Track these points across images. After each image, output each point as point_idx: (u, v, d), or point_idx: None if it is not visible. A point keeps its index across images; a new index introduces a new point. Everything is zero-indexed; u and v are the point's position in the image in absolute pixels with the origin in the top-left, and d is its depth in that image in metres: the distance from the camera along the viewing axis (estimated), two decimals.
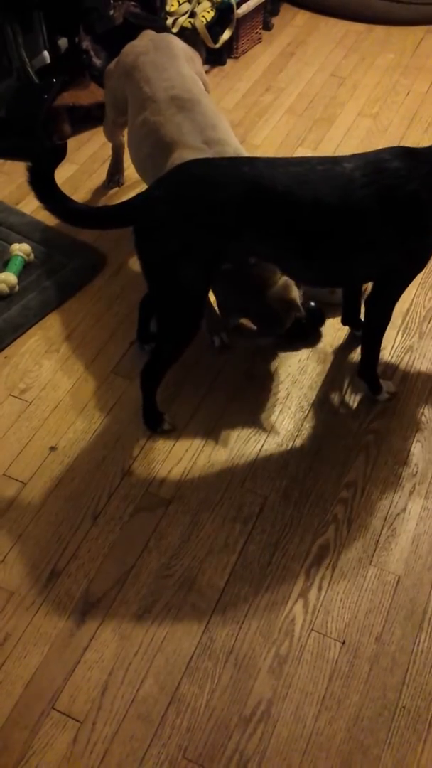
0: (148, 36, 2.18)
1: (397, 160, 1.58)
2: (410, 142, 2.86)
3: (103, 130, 2.48)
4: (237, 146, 1.91)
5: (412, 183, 1.56)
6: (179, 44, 2.17)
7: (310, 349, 2.09)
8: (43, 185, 1.55)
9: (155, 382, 1.83)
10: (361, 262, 1.67)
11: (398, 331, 2.14)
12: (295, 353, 2.08)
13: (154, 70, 2.03)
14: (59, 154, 1.58)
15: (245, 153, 1.92)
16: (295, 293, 1.90)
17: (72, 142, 2.85)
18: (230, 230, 1.57)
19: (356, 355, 2.07)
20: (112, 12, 2.91)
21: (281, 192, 1.53)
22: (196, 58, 2.20)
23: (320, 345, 2.10)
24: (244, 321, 2.08)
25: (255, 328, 2.00)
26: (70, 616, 1.55)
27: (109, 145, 2.60)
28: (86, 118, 2.86)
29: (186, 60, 2.11)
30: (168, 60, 2.06)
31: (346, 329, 2.14)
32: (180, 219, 1.54)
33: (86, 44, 2.89)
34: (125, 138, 2.46)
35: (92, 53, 2.88)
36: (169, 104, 1.94)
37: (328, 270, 1.69)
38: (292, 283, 1.90)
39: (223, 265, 1.68)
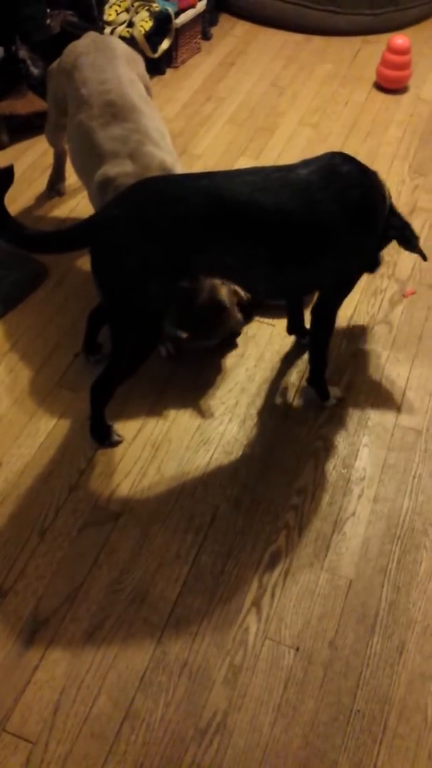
0: (90, 36, 2.17)
1: (347, 164, 1.63)
2: (350, 151, 2.88)
3: (45, 135, 2.45)
4: (165, 156, 1.88)
5: (364, 185, 1.62)
6: (121, 46, 2.17)
7: (257, 358, 2.09)
8: None
9: (106, 397, 1.80)
10: (323, 268, 1.68)
11: (343, 337, 2.16)
12: (242, 362, 2.08)
13: (93, 72, 2.02)
14: (6, 178, 1.52)
15: (176, 160, 1.92)
16: (224, 293, 1.91)
17: (10, 152, 2.81)
18: (194, 244, 1.56)
19: (302, 362, 2.09)
20: (49, 21, 2.88)
21: (243, 201, 1.53)
22: (139, 60, 2.20)
23: (267, 353, 2.11)
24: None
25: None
26: (18, 635, 1.52)
27: (50, 153, 2.57)
28: (24, 128, 2.83)
29: (127, 62, 2.11)
30: (107, 61, 2.05)
31: (292, 336, 2.15)
32: (141, 237, 1.52)
33: (23, 53, 2.86)
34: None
35: (29, 62, 2.85)
36: (104, 111, 1.93)
37: (293, 278, 1.69)
38: (219, 284, 1.90)
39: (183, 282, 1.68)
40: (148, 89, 2.17)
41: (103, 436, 1.85)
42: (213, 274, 1.80)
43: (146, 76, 2.20)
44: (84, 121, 1.95)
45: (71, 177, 2.67)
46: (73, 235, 1.60)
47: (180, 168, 1.91)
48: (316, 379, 1.94)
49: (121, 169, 1.83)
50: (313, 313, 1.83)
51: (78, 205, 2.57)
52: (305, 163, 1.64)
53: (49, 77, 2.23)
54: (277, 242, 1.59)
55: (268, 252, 1.60)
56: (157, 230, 1.52)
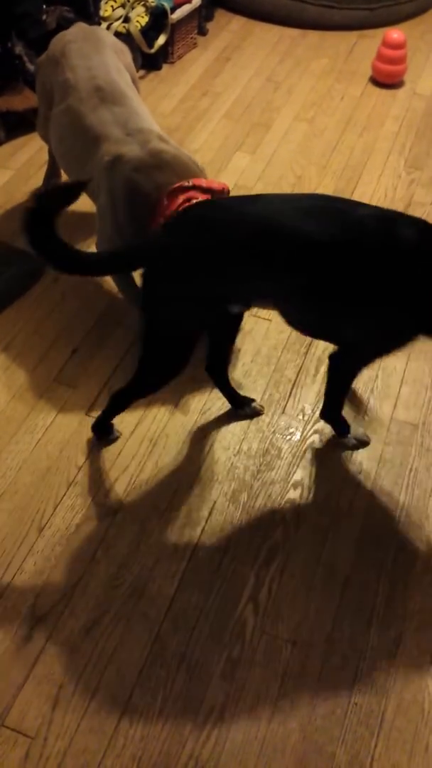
0: (78, 26, 2.19)
1: (412, 228, 1.48)
2: (345, 146, 2.91)
3: (37, 130, 2.44)
4: (160, 133, 1.92)
5: (423, 257, 1.47)
6: (108, 36, 2.19)
7: (254, 353, 2.10)
8: (41, 230, 1.45)
9: (124, 407, 1.80)
10: (360, 319, 1.55)
11: None
12: (239, 357, 2.09)
13: (80, 58, 2.03)
14: (70, 194, 1.46)
15: (169, 140, 1.92)
16: None
17: (7, 148, 2.81)
18: (242, 273, 1.51)
19: (299, 356, 2.09)
20: (45, 17, 2.87)
21: (290, 229, 1.44)
22: (126, 51, 2.21)
23: (264, 349, 2.11)
24: None
25: None
26: (17, 631, 1.52)
27: (46, 149, 2.56)
28: (21, 124, 2.82)
29: (114, 51, 2.13)
30: (95, 50, 2.07)
31: (288, 330, 2.15)
32: (193, 267, 1.49)
33: (19, 49, 2.85)
34: None
35: (25, 58, 2.84)
36: (91, 94, 1.95)
37: (328, 318, 1.58)
38: None
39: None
40: (134, 80, 2.19)
41: (104, 433, 1.85)
42: (256, 299, 1.72)
43: (133, 67, 2.22)
44: (72, 105, 1.96)
45: None
46: (123, 258, 1.59)
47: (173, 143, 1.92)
48: (332, 414, 1.84)
49: (127, 148, 1.84)
50: (334, 360, 1.72)
51: (76, 202, 2.56)
52: (370, 206, 1.53)
53: (37, 70, 2.24)
54: (315, 277, 1.49)
55: (306, 284, 1.51)
56: (207, 261, 1.48)
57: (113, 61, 2.07)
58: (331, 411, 1.84)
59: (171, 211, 1.77)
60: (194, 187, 1.79)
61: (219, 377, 1.90)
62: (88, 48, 2.07)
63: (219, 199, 1.62)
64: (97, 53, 2.06)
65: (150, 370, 1.69)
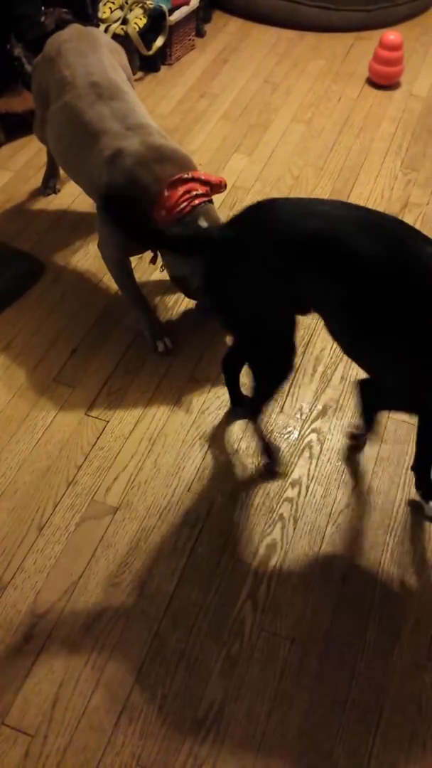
0: (73, 27, 2.21)
1: None
2: (343, 147, 2.93)
3: (34, 132, 2.45)
4: (158, 130, 1.95)
5: None
6: (103, 36, 2.21)
7: None
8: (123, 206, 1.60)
9: (261, 412, 1.82)
10: (390, 355, 1.48)
11: None
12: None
13: (76, 56, 2.05)
14: None
15: (167, 136, 1.96)
16: None
17: (6, 150, 2.82)
18: (297, 273, 1.47)
19: (296, 356, 2.10)
20: (43, 19, 2.88)
21: (345, 240, 1.40)
22: (121, 52, 2.23)
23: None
24: None
25: None
26: (17, 629, 1.53)
27: (44, 150, 2.58)
28: (20, 126, 2.83)
29: (110, 51, 2.15)
30: (91, 48, 2.09)
31: None
32: (252, 262, 1.49)
33: (18, 51, 2.85)
34: None
35: (24, 60, 2.84)
36: (88, 91, 1.97)
37: (365, 341, 1.51)
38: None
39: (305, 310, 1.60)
40: (130, 81, 2.20)
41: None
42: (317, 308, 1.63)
43: (128, 67, 2.24)
44: (69, 102, 1.98)
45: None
46: (192, 244, 1.60)
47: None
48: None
49: (127, 142, 1.86)
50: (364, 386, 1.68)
51: (73, 202, 2.58)
52: None
53: (33, 71, 2.26)
54: (361, 296, 1.43)
55: (349, 299, 1.46)
56: (265, 257, 1.48)
57: (109, 60, 2.09)
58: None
59: (172, 202, 1.79)
60: (193, 179, 1.82)
61: (232, 374, 1.90)
62: (84, 47, 2.09)
63: (287, 199, 1.57)
64: (92, 52, 2.08)
65: (257, 376, 1.70)
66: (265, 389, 1.73)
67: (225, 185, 1.91)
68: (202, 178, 1.84)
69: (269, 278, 1.50)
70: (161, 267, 2.09)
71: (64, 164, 2.12)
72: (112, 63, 2.10)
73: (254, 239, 1.49)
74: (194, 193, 1.82)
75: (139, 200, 1.83)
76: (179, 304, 2.24)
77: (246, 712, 1.45)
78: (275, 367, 1.67)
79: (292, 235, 1.45)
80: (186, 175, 1.82)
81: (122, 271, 2.07)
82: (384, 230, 1.42)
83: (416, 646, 1.54)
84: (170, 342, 2.09)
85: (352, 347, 1.57)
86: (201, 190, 1.84)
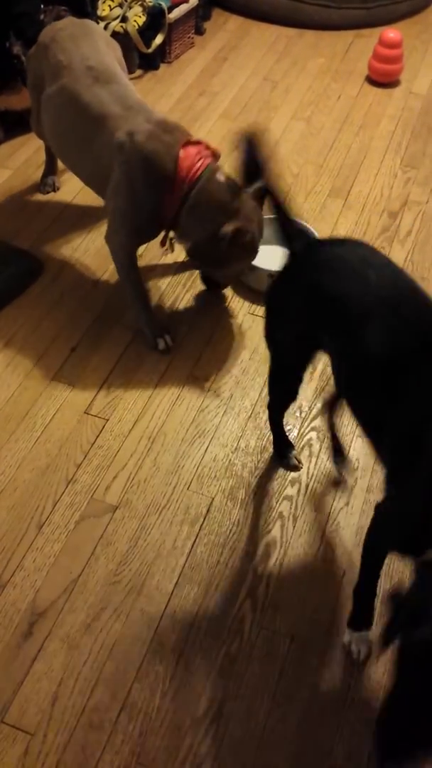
0: (69, 19, 2.23)
1: None
2: (342, 144, 2.92)
3: (31, 126, 2.45)
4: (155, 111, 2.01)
5: None
6: (98, 27, 2.23)
7: (251, 351, 2.11)
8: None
9: (277, 426, 1.82)
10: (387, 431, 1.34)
11: None
12: (236, 355, 2.09)
13: (71, 42, 2.07)
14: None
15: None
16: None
17: (5, 148, 2.81)
18: (319, 322, 1.44)
19: None
20: (42, 17, 2.88)
21: (363, 320, 1.33)
22: (116, 46, 2.24)
23: (261, 346, 2.12)
24: None
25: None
26: (17, 627, 1.53)
27: (44, 148, 2.57)
28: (19, 123, 2.82)
29: (106, 42, 2.16)
30: (85, 36, 2.11)
31: None
32: (289, 291, 1.51)
33: (17, 49, 2.85)
34: None
35: (23, 58, 2.84)
36: (85, 74, 1.99)
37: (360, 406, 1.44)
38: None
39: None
40: (123, 71, 2.20)
41: (282, 458, 1.85)
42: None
43: (123, 62, 2.25)
44: (66, 85, 1.99)
45: (66, 171, 2.68)
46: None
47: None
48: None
49: (135, 122, 1.90)
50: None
51: (72, 200, 2.58)
52: None
53: (28, 61, 2.27)
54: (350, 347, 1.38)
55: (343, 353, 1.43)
56: (303, 290, 1.46)
57: (104, 47, 2.12)
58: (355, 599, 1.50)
59: (189, 162, 1.87)
60: (199, 142, 1.93)
61: (279, 418, 1.82)
62: (79, 34, 2.11)
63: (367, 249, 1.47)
64: (87, 39, 2.10)
65: (270, 374, 1.72)
66: (269, 397, 1.77)
67: (219, 155, 1.99)
68: (205, 144, 1.95)
69: (300, 308, 1.48)
70: (166, 250, 2.13)
71: (61, 150, 2.13)
72: (107, 50, 2.13)
73: (307, 268, 1.47)
74: (205, 153, 1.92)
75: (159, 171, 1.87)
76: (179, 301, 2.24)
77: (246, 710, 1.45)
78: (276, 387, 1.72)
79: (327, 286, 1.40)
80: (193, 139, 1.92)
81: (129, 264, 2.06)
82: (411, 325, 1.30)
83: None
84: (170, 340, 2.09)
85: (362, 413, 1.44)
86: (208, 151, 1.93)
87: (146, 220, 1.97)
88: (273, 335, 1.62)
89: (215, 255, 1.95)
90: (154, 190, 1.89)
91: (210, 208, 1.89)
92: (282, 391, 1.72)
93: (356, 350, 1.36)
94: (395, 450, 1.31)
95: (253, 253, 2.01)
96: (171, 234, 2.06)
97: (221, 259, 1.98)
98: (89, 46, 2.07)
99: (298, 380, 1.65)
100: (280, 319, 1.57)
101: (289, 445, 1.85)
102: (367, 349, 1.33)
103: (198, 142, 1.93)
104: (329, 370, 2.05)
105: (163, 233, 2.07)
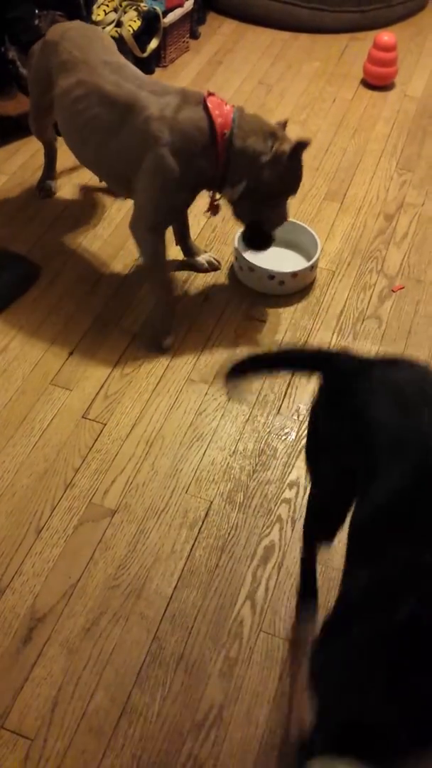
0: (75, 21, 2.27)
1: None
2: (338, 148, 2.93)
3: (30, 125, 2.45)
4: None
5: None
6: (103, 32, 2.29)
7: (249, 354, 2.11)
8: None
9: (304, 558, 1.60)
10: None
11: (333, 333, 2.18)
12: (233, 358, 2.09)
13: (83, 40, 2.12)
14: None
15: None
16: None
17: (1, 153, 2.81)
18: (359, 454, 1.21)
19: None
20: (37, 22, 2.88)
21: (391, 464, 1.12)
22: (117, 52, 2.25)
23: (258, 349, 2.13)
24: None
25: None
26: (16, 633, 1.53)
27: (41, 153, 2.58)
28: (15, 129, 2.83)
29: (111, 43, 2.20)
30: (96, 37, 2.16)
31: (282, 331, 2.17)
32: (333, 416, 1.30)
33: (12, 54, 2.86)
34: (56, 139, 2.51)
35: (18, 63, 2.85)
36: (103, 67, 2.03)
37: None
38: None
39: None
40: None
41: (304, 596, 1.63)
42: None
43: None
44: (85, 78, 2.03)
45: (61, 176, 2.68)
46: (309, 359, 1.42)
47: None
48: None
49: (163, 103, 1.93)
50: None
51: (69, 205, 2.58)
52: None
53: (30, 57, 2.30)
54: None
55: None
56: (342, 422, 1.26)
57: (114, 48, 2.17)
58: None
59: (222, 107, 1.93)
60: (212, 93, 1.97)
61: (309, 554, 1.60)
62: (90, 35, 2.16)
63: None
64: (98, 39, 2.15)
65: (309, 503, 1.53)
66: (305, 527, 1.57)
67: None
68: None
69: (345, 439, 1.25)
70: (209, 213, 2.15)
71: (79, 145, 2.13)
72: (116, 51, 2.17)
73: (353, 393, 1.24)
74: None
75: (200, 134, 1.90)
76: (176, 304, 2.24)
77: (246, 713, 1.45)
78: (314, 518, 1.50)
79: (369, 419, 1.18)
80: (206, 92, 1.97)
81: (159, 251, 2.06)
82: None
83: None
84: (173, 341, 2.12)
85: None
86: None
87: (184, 198, 2.01)
88: (315, 460, 1.40)
89: (272, 181, 1.97)
90: (199, 157, 1.92)
91: (257, 139, 1.92)
92: (319, 524, 1.47)
93: (375, 499, 1.13)
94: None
95: (302, 172, 2.03)
96: (217, 195, 2.08)
97: (278, 185, 1.99)
98: (100, 45, 2.12)
99: (339, 520, 1.34)
100: (323, 445, 1.35)
101: (314, 593, 1.61)
102: (385, 500, 1.11)
103: (212, 93, 1.98)
104: None
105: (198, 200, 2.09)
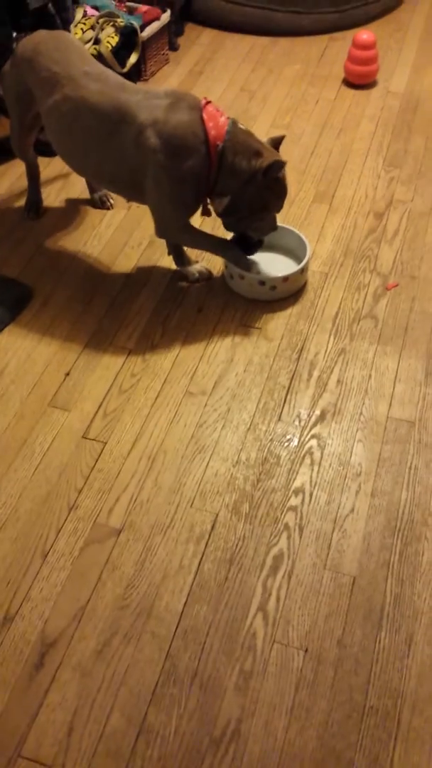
0: (40, 31, 2.24)
1: None
2: (323, 149, 2.92)
3: (12, 145, 2.46)
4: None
5: None
6: (73, 37, 2.29)
7: (246, 362, 2.10)
8: None
9: None
10: None
11: (330, 335, 2.17)
12: (231, 368, 2.09)
13: (58, 52, 2.13)
14: None
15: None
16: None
17: None
18: None
19: (290, 362, 2.10)
20: (15, 45, 2.89)
21: None
22: (91, 58, 2.26)
23: (255, 357, 2.12)
24: None
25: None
26: (27, 659, 1.52)
27: (25, 174, 2.58)
28: (0, 152, 2.83)
29: (84, 49, 2.21)
30: (67, 45, 2.17)
31: (279, 337, 2.16)
32: None
33: None
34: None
35: (1, 91, 2.86)
36: (85, 78, 2.06)
37: None
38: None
39: None
40: None
41: None
42: None
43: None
44: (70, 94, 2.05)
45: (48, 197, 2.68)
46: None
47: None
48: None
49: (155, 108, 1.97)
50: None
51: (57, 225, 2.58)
52: None
53: (3, 79, 2.31)
54: None
55: None
56: None
57: (86, 53, 2.18)
58: None
59: (217, 115, 1.97)
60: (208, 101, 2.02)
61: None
62: (61, 45, 2.16)
63: None
64: (71, 48, 2.16)
65: None
66: None
67: None
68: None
69: None
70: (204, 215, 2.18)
71: (77, 159, 2.16)
72: (89, 55, 2.18)
73: None
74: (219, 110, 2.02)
75: (193, 142, 1.95)
76: (171, 318, 2.24)
77: (264, 726, 1.43)
78: None
79: None
80: (204, 100, 2.01)
81: (192, 232, 2.18)
82: None
83: (431, 647, 1.53)
84: (207, 274, 2.33)
85: None
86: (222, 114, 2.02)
87: (192, 193, 2.05)
88: None
89: (253, 198, 2.04)
90: (194, 158, 1.96)
91: (242, 158, 1.98)
92: None
93: None
94: None
95: (285, 189, 2.10)
96: (208, 200, 2.14)
97: (258, 203, 2.06)
98: (76, 54, 2.14)
99: None
100: None
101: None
102: None
103: (209, 101, 2.01)
104: (325, 376, 2.05)
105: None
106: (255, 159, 1.98)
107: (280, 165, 2.00)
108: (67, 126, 2.09)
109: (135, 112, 1.97)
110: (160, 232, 2.18)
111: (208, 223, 2.41)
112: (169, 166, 1.96)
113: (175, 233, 2.19)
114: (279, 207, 2.13)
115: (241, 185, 2.01)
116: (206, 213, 2.16)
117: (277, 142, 2.11)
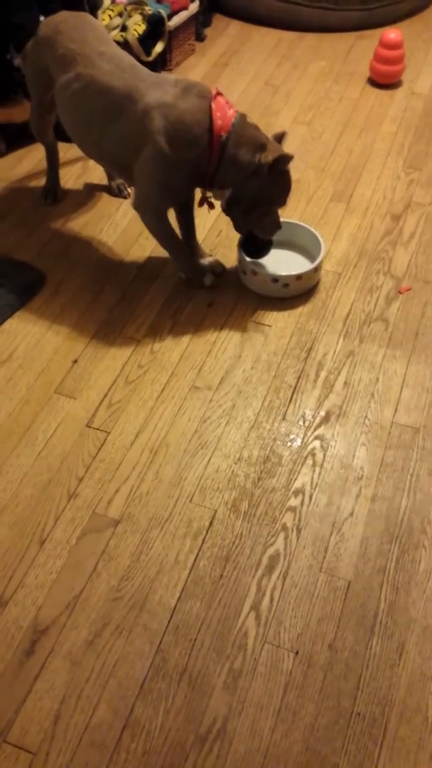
0: (63, 12, 2.25)
1: None
2: (344, 148, 2.90)
3: (31, 127, 2.47)
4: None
5: None
6: (95, 19, 2.29)
7: (254, 360, 2.09)
8: None
9: None
10: None
11: (339, 336, 2.16)
12: (239, 364, 2.08)
13: (77, 31, 2.14)
14: None
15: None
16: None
17: (7, 161, 2.82)
18: None
19: (298, 361, 2.08)
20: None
21: None
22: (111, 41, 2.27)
23: (263, 355, 2.11)
24: None
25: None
26: (18, 645, 1.52)
27: (45, 159, 2.57)
28: (20, 136, 2.83)
29: (105, 31, 2.22)
30: (87, 26, 2.17)
31: (288, 335, 2.15)
32: None
33: (17, 61, 2.86)
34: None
35: (23, 70, 2.85)
36: (100, 58, 2.06)
37: None
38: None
39: None
40: None
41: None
42: None
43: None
44: (83, 71, 2.06)
45: (67, 182, 2.68)
46: None
47: None
48: None
49: (163, 92, 1.96)
50: None
51: (74, 213, 2.58)
52: None
53: (24, 58, 2.32)
54: None
55: None
56: None
57: (106, 36, 2.18)
58: None
59: (224, 108, 1.96)
60: (219, 93, 2.00)
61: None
62: (81, 25, 2.17)
63: None
64: (90, 29, 2.16)
65: None
66: None
67: None
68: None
69: None
70: (205, 206, 2.19)
71: (82, 136, 2.16)
72: (109, 38, 2.19)
73: None
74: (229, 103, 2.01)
75: (195, 129, 1.94)
76: (181, 311, 2.23)
77: (250, 726, 1.43)
78: None
79: None
80: (215, 91, 2.00)
81: (161, 224, 2.16)
82: None
83: (422, 656, 1.52)
84: (219, 271, 2.31)
85: None
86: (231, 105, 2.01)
87: (183, 182, 2.05)
88: None
89: (256, 193, 2.03)
90: (194, 147, 1.96)
91: (247, 151, 1.97)
92: None
93: None
94: None
95: (290, 183, 2.08)
96: (209, 193, 2.14)
97: (263, 196, 2.05)
98: (94, 35, 2.14)
99: None
100: None
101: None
102: None
103: (220, 93, 2.00)
104: (332, 377, 2.04)
105: (197, 192, 2.17)
106: (260, 152, 1.97)
107: (286, 159, 1.98)
108: (76, 103, 2.09)
109: (144, 94, 1.97)
110: (136, 204, 2.14)
111: (217, 222, 2.40)
112: (167, 149, 1.95)
113: (148, 215, 2.14)
114: (283, 202, 2.11)
115: (245, 178, 2.00)
116: (210, 206, 2.16)
117: (279, 139, 2.09)
